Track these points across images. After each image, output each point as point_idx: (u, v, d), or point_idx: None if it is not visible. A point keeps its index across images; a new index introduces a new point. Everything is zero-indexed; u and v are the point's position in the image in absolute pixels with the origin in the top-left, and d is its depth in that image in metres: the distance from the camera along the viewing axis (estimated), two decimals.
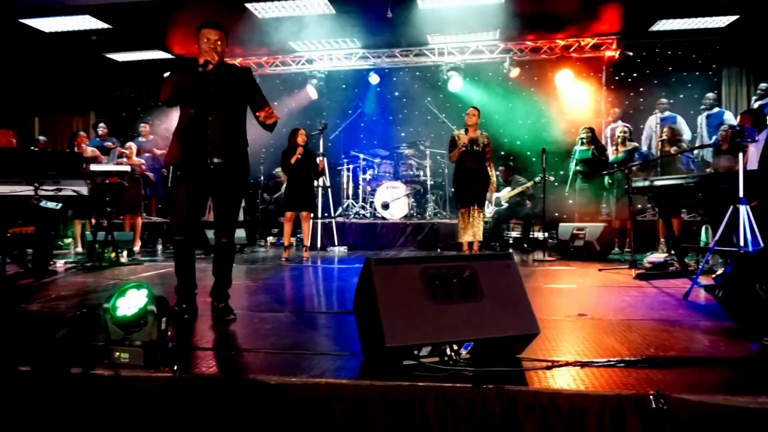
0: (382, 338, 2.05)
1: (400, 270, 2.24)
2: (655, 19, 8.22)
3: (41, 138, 8.63)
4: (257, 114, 3.30)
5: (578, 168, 7.50)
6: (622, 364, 2.21)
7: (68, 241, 7.86)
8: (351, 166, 9.14)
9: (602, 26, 8.74)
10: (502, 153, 9.65)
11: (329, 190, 7.86)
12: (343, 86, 10.37)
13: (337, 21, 8.32)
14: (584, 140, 7.44)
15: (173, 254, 3.33)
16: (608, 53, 9.06)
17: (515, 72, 9.24)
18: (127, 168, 6.24)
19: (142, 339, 2.33)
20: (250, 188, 9.20)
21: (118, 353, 2.32)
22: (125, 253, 6.27)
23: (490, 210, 8.18)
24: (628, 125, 7.56)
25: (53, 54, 9.31)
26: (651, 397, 1.88)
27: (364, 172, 9.02)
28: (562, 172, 8.17)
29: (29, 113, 10.98)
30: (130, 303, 2.38)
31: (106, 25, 8.30)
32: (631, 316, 3.25)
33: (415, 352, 2.12)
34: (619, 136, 7.13)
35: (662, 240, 6.85)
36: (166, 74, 3.23)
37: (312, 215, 6.63)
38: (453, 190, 6.26)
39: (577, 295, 4.15)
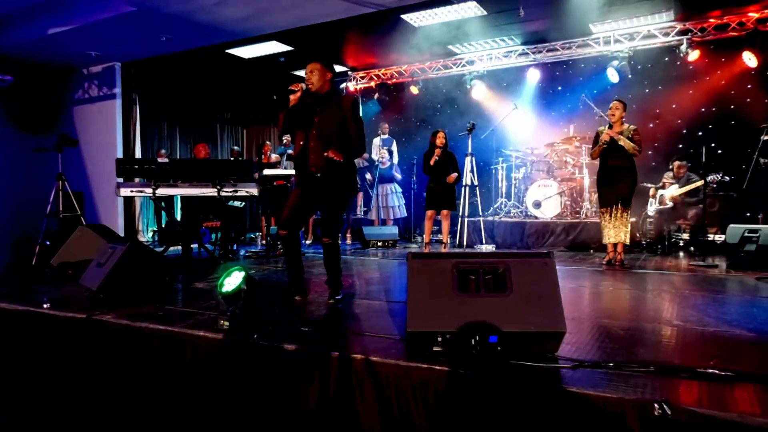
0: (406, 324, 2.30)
1: (434, 264, 2.44)
2: None
3: (235, 147, 10.33)
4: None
5: (764, 161, 6.47)
6: (653, 370, 2.11)
7: (258, 234, 9.33)
8: (504, 165, 9.12)
9: None
10: (680, 146, 8.69)
11: (477, 189, 7.99)
12: (504, 84, 10.33)
13: (490, 21, 8.41)
14: None
15: (281, 247, 3.94)
16: None
17: (694, 55, 8.23)
18: (291, 171, 7.21)
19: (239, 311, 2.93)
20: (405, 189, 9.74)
21: (222, 321, 2.94)
22: None
23: (652, 209, 7.49)
24: None
25: (253, 75, 11.07)
26: (655, 404, 1.83)
27: (517, 170, 8.93)
28: (744, 166, 7.06)
29: (238, 126, 13.20)
30: (232, 282, 3.00)
31: (289, 48, 9.62)
32: (728, 328, 2.93)
33: (439, 339, 2.32)
34: None
35: None
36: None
37: (451, 213, 6.87)
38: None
39: (691, 303, 3.74)
